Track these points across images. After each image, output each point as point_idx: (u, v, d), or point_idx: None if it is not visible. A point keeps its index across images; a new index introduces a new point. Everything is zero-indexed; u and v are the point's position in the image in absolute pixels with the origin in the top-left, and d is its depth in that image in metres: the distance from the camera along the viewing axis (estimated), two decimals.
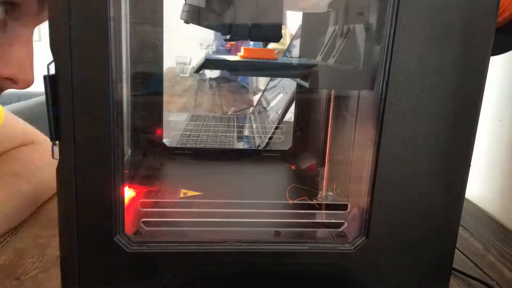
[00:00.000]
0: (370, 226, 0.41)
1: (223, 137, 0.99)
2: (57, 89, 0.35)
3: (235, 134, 1.04)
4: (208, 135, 1.00)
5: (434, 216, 0.42)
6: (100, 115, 0.36)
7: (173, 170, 0.69)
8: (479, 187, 0.74)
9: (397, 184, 0.41)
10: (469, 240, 0.61)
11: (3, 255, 0.49)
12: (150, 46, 0.65)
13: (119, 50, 0.36)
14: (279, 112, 0.95)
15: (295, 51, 1.10)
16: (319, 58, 0.52)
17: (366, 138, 0.42)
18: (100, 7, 0.34)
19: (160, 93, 0.68)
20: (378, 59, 0.39)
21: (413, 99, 0.38)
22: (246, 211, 0.44)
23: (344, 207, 0.46)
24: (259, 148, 0.90)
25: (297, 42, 1.06)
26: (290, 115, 0.88)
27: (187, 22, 0.45)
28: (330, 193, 0.55)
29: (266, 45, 0.47)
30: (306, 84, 0.44)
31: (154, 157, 0.68)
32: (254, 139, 1.01)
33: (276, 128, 0.92)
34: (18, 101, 1.83)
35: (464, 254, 0.56)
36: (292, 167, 0.70)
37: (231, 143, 0.97)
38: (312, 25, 0.66)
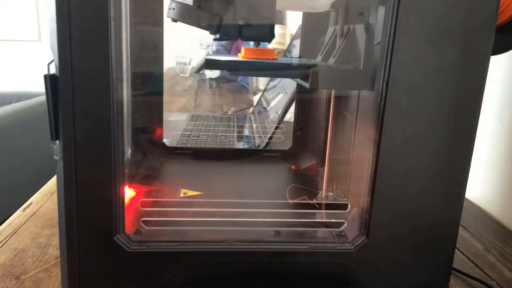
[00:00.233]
0: (370, 226, 0.41)
1: (223, 137, 0.99)
2: (57, 89, 0.35)
3: (235, 134, 1.04)
4: (208, 135, 1.00)
5: (434, 216, 0.42)
6: (100, 115, 0.36)
7: (173, 169, 0.69)
8: (479, 187, 0.74)
9: (397, 184, 0.41)
10: (469, 240, 0.61)
11: (3, 255, 0.49)
12: (150, 46, 0.65)
13: (119, 50, 0.36)
14: (279, 112, 0.95)
15: (295, 51, 1.10)
16: (319, 58, 0.52)
17: (366, 138, 0.42)
18: (100, 6, 0.34)
19: (160, 93, 0.68)
20: (378, 59, 0.39)
21: (413, 99, 0.38)
22: (246, 211, 0.44)
23: (344, 206, 0.46)
24: (259, 148, 0.90)
25: (297, 42, 1.06)
26: (290, 115, 0.88)
27: (174, 20, 0.45)
28: (330, 193, 0.55)
29: (258, 44, 0.47)
30: (306, 85, 0.44)
31: (154, 157, 0.68)
32: (254, 139, 1.01)
33: (276, 128, 0.92)
34: (18, 101, 1.83)
35: (464, 254, 0.56)
36: (292, 167, 0.70)
37: (231, 143, 0.97)
38: (312, 25, 0.66)
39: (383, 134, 0.39)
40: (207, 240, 0.42)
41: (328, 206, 0.51)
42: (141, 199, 0.51)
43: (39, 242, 0.53)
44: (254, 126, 1.12)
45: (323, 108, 0.61)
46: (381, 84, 0.38)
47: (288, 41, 1.56)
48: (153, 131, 0.70)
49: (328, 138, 0.58)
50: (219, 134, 1.00)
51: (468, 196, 0.75)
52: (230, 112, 1.44)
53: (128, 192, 0.52)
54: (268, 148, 0.88)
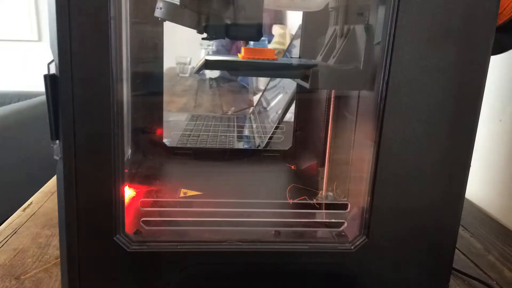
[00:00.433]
0: (370, 226, 0.41)
1: (223, 137, 0.99)
2: (57, 89, 0.35)
3: (235, 134, 1.04)
4: (208, 135, 1.00)
5: (434, 216, 0.42)
6: (100, 115, 0.36)
7: (173, 169, 0.69)
8: (479, 187, 0.74)
9: (397, 184, 0.41)
10: (469, 240, 0.61)
11: (3, 255, 0.49)
12: (150, 46, 0.65)
13: (119, 50, 0.36)
14: (279, 112, 0.95)
15: (295, 51, 1.10)
16: (319, 59, 0.52)
17: (366, 138, 0.42)
18: (100, 6, 0.34)
19: (160, 93, 0.68)
20: (378, 59, 0.39)
21: (413, 99, 0.38)
22: (246, 211, 0.44)
23: (344, 206, 0.46)
24: (259, 148, 0.90)
25: (297, 42, 1.06)
26: (290, 115, 0.88)
27: (163, 19, 0.45)
28: (330, 193, 0.56)
29: (246, 43, 0.47)
30: (306, 85, 0.44)
31: (154, 156, 0.68)
32: (254, 139, 1.01)
33: (276, 128, 0.92)
34: (18, 101, 1.84)
35: (464, 254, 0.56)
36: (292, 167, 0.70)
37: (231, 143, 0.97)
38: (312, 25, 0.66)
39: (383, 134, 0.39)
40: (207, 240, 0.42)
41: (328, 206, 0.51)
42: (141, 199, 0.51)
43: (39, 242, 0.53)
44: (254, 126, 1.12)
45: (323, 108, 0.61)
46: (381, 84, 0.38)
47: (288, 41, 1.56)
48: (153, 131, 0.70)
49: (328, 138, 0.58)
50: (219, 134, 1.00)
51: (468, 196, 0.75)
52: (230, 112, 1.44)
53: (128, 192, 0.52)
54: (268, 148, 0.88)
